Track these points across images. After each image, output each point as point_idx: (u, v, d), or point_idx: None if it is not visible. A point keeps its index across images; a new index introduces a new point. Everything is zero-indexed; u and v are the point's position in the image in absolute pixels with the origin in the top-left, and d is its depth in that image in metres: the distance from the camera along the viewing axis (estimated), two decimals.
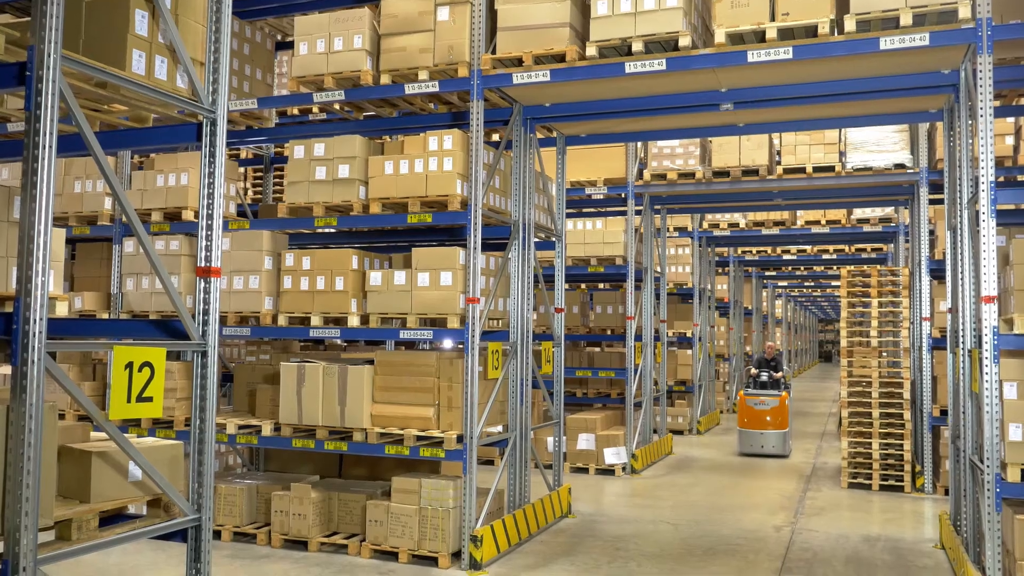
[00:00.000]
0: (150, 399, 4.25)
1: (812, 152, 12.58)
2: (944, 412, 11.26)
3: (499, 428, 8.72)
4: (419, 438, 8.09)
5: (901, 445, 11.75)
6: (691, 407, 18.17)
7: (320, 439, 8.29)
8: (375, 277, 8.27)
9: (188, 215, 9.06)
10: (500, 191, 8.83)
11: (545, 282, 10.25)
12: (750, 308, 26.88)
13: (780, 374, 15.11)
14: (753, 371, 15.18)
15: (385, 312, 8.21)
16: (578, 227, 13.81)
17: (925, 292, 11.70)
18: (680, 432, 17.71)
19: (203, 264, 4.70)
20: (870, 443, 11.87)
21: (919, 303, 11.87)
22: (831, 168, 12.47)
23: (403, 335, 8.12)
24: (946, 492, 11.13)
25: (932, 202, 12.54)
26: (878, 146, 12.17)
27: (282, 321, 8.55)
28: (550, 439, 12.67)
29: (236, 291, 8.68)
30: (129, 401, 4.12)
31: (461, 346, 8.16)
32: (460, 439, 7.90)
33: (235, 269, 8.69)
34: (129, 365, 4.13)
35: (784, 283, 32.31)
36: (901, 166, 12.10)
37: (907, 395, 11.84)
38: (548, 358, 9.87)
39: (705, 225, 18.21)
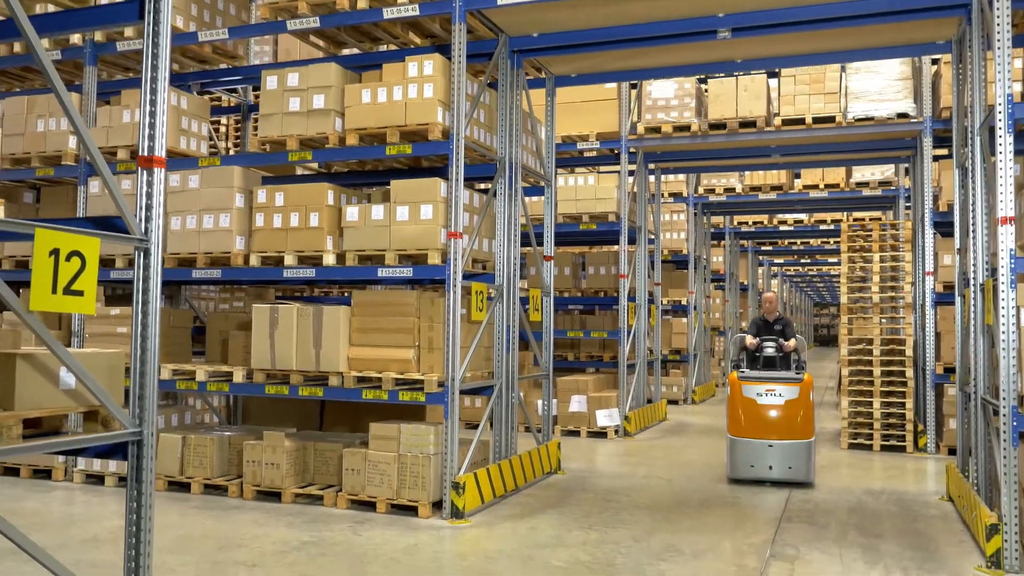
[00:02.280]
0: (80, 293, 3.79)
1: (812, 102, 12.12)
2: (948, 369, 10.87)
3: (484, 377, 8.28)
4: (399, 382, 7.63)
5: (903, 404, 11.33)
6: (686, 376, 17.75)
7: (294, 384, 7.84)
8: (352, 212, 7.80)
9: None
10: (485, 126, 8.36)
11: (536, 237, 9.77)
12: (745, 284, 26.44)
13: (793, 343, 9.29)
14: (750, 340, 9.39)
15: (362, 249, 7.74)
16: (569, 183, 13.34)
17: (928, 246, 11.26)
18: (675, 402, 17.29)
19: (145, 153, 4.24)
20: (871, 402, 11.45)
21: (922, 257, 11.44)
22: (831, 119, 12.01)
23: (381, 273, 7.66)
24: (950, 452, 10.73)
25: (936, 159, 12.10)
26: (880, 95, 11.72)
27: (254, 261, 8.08)
28: (540, 402, 12.24)
29: (206, 230, 8.20)
30: (55, 292, 3.66)
31: (444, 287, 7.70)
32: (441, 383, 7.45)
33: (204, 207, 8.22)
34: (55, 252, 3.67)
35: (780, 260, 31.88)
36: (904, 116, 11.64)
37: (909, 352, 11.42)
38: (537, 307, 9.42)
39: (700, 190, 17.74)
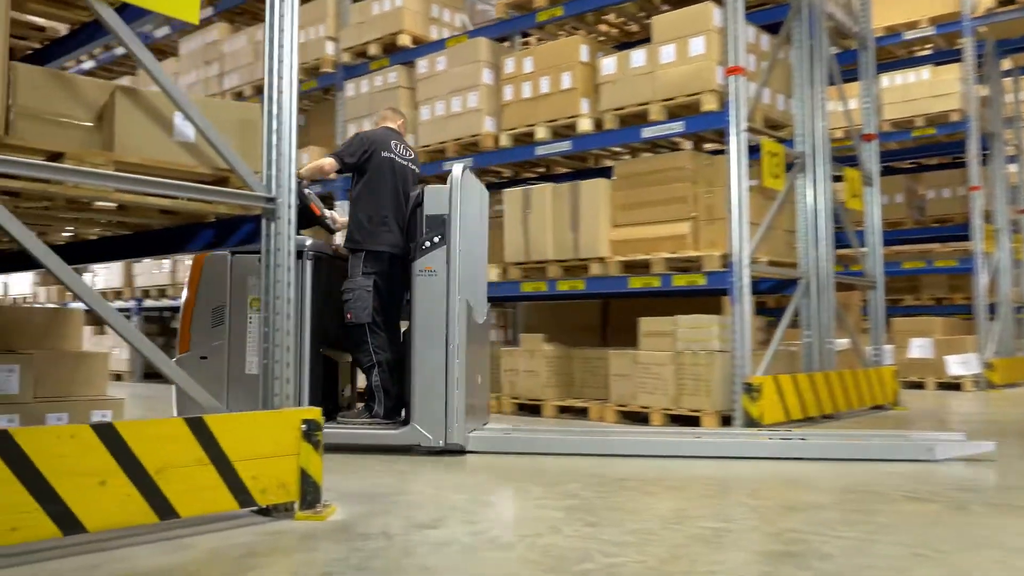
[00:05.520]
0: None
1: None
2: None
3: (786, 267, 6.55)
4: (671, 264, 6.14)
5: None
6: None
7: (552, 278, 6.65)
8: (608, 64, 6.49)
9: (404, 40, 7.90)
10: None
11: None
12: None
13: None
14: None
15: (621, 106, 6.39)
16: (896, 82, 10.96)
17: None
18: None
19: None
20: None
21: None
22: None
23: (645, 133, 6.27)
24: None
25: None
26: None
27: (504, 141, 7.06)
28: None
29: (454, 114, 7.34)
30: None
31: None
32: (726, 261, 5.85)
33: (452, 89, 7.37)
34: None
35: None
36: None
37: None
38: (855, 192, 7.45)
39: None
